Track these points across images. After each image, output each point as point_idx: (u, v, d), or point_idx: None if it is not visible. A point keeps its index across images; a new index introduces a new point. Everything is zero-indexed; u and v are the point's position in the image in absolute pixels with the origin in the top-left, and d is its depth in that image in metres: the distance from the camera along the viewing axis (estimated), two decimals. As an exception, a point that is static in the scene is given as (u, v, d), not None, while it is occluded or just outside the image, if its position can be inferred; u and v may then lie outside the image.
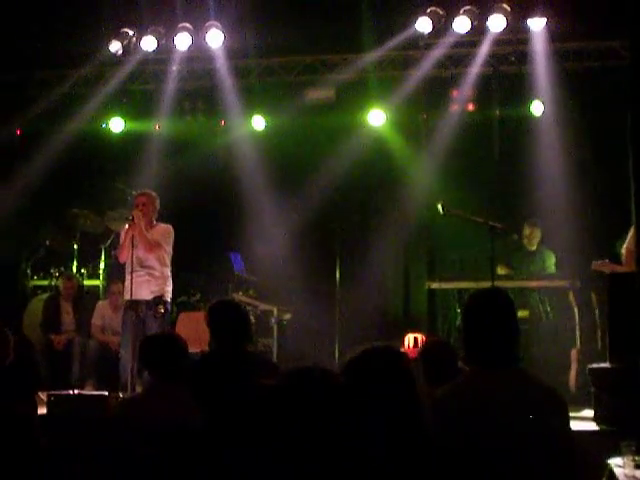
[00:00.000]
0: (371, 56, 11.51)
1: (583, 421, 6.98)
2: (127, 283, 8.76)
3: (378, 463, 2.83)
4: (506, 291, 4.09)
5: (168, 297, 8.96)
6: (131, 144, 12.34)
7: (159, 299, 8.80)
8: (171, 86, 12.03)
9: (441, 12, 10.90)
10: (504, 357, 3.68)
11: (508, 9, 10.70)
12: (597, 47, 11.12)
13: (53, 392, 7.71)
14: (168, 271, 8.99)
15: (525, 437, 3.46)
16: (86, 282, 11.45)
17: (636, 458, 4.47)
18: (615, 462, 4.52)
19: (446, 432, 3.43)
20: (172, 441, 3.40)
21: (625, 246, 8.16)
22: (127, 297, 8.73)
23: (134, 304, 8.68)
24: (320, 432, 2.58)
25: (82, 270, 11.46)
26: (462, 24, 10.83)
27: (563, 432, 3.64)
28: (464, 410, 3.55)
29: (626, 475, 4.35)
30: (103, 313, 10.50)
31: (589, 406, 7.27)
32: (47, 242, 11.80)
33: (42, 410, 7.27)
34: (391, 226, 11.47)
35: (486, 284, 8.78)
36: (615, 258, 8.52)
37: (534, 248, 10.37)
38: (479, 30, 10.94)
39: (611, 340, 7.27)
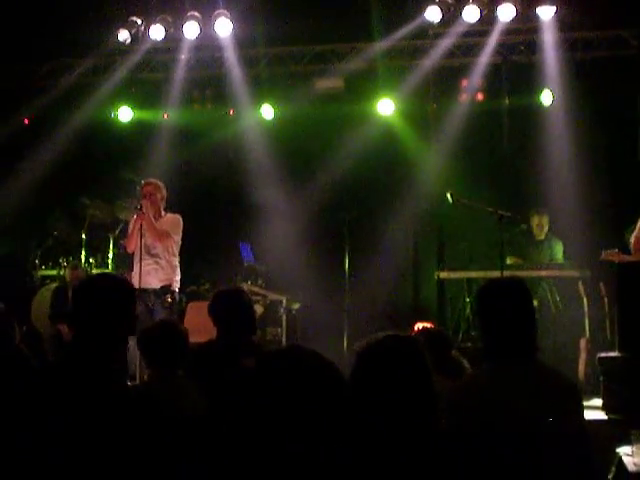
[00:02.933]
0: (380, 45, 11.47)
1: (592, 410, 6.95)
2: (135, 272, 8.77)
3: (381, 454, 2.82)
4: (523, 279, 4.01)
5: (176, 287, 8.97)
6: (139, 133, 12.35)
7: (167, 288, 8.81)
8: (179, 75, 12.02)
9: (450, 1, 10.86)
10: (524, 347, 3.64)
11: (517, -2, 10.67)
12: (606, 36, 11.05)
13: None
14: (176, 261, 9.00)
15: (542, 427, 3.44)
16: (95, 272, 11.43)
17: (645, 446, 4.46)
18: (624, 451, 4.50)
19: (464, 423, 3.42)
20: (173, 430, 3.39)
21: (634, 235, 8.12)
22: (135, 286, 8.72)
23: (142, 293, 8.68)
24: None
25: (90, 260, 11.44)
26: (471, 13, 10.79)
27: (579, 422, 3.62)
28: (483, 401, 3.53)
29: (635, 464, 4.34)
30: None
31: (598, 395, 7.27)
32: (55, 232, 11.79)
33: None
34: (400, 216, 11.44)
35: (495, 274, 8.77)
36: (625, 248, 8.49)
37: (543, 237, 10.33)
38: (488, 19, 10.90)
39: (620, 329, 7.27)
